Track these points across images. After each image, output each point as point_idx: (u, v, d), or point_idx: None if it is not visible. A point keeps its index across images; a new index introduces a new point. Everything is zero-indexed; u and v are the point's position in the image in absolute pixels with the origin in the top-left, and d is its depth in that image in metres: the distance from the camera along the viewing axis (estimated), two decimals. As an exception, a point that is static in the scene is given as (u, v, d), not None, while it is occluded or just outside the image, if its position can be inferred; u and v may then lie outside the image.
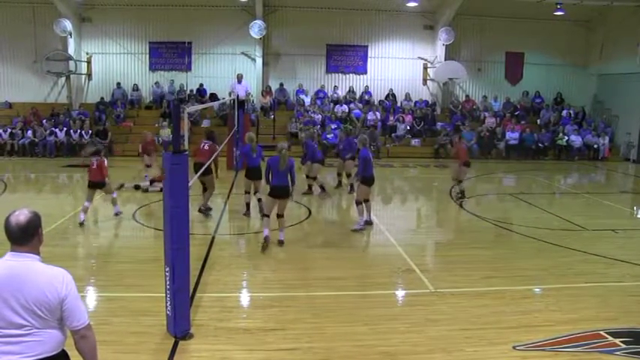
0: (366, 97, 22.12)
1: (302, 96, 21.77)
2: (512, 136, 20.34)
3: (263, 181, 9.37)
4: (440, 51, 22.01)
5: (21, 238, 2.75)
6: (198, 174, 7.97)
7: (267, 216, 8.59)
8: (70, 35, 20.42)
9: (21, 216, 2.77)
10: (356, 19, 22.12)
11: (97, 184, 9.79)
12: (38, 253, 2.83)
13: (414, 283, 7.08)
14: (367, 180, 9.51)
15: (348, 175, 13.13)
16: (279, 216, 8.58)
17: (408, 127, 20.88)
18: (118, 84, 21.35)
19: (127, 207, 11.19)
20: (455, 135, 13.54)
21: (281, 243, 8.56)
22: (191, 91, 21.12)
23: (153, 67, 21.75)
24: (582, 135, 20.88)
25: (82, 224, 9.42)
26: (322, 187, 12.61)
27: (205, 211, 10.50)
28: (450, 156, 11.79)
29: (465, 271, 7.52)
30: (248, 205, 10.62)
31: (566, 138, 20.70)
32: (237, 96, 16.76)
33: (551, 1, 19.51)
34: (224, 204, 11.94)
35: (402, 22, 22.30)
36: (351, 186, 13.02)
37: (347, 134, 13.85)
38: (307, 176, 12.84)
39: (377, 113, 20.95)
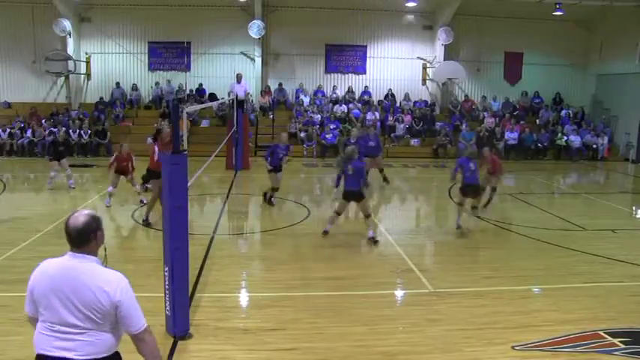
0: (365, 97, 22.13)
1: (302, 96, 21.76)
2: (511, 136, 20.36)
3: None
4: (439, 51, 22.02)
5: (78, 241, 2.77)
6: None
7: (339, 214, 9.18)
8: (70, 35, 20.41)
9: (80, 218, 2.79)
10: (355, 19, 22.11)
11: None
12: (96, 255, 2.85)
13: (413, 283, 7.08)
14: (464, 189, 9.58)
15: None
16: (366, 217, 9.02)
17: (407, 127, 20.90)
18: (117, 84, 21.35)
19: (125, 207, 11.19)
20: (491, 148, 12.21)
21: (372, 240, 8.85)
22: (190, 90, 21.12)
23: (152, 67, 21.75)
24: (581, 135, 20.90)
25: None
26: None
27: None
28: (486, 169, 10.99)
29: (464, 271, 7.53)
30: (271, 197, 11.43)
31: (566, 138, 20.72)
32: (237, 96, 16.78)
33: (551, 1, 19.53)
34: (223, 204, 11.94)
35: (401, 22, 22.30)
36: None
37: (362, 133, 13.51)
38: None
39: (376, 113, 20.96)
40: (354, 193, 8.87)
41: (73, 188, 12.73)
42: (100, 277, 2.75)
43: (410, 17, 22.08)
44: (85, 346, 2.73)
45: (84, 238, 2.77)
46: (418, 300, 6.49)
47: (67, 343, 2.71)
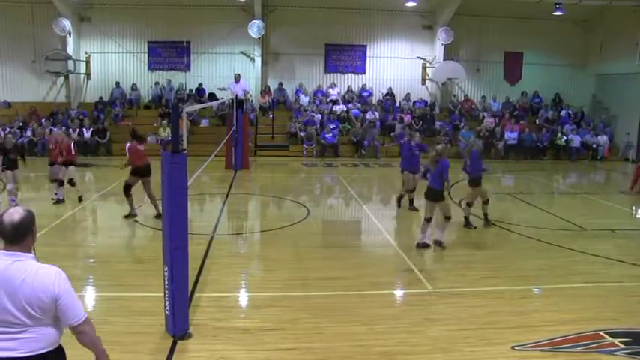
0: (365, 96, 22.11)
1: (301, 95, 21.74)
2: (511, 136, 20.35)
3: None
4: (439, 51, 22.03)
5: (14, 237, 2.77)
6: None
7: (426, 220, 8.60)
8: (69, 35, 20.40)
9: (15, 215, 2.79)
10: (355, 19, 22.12)
11: None
12: (31, 252, 2.85)
13: (412, 282, 7.08)
14: None
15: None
16: (445, 218, 8.57)
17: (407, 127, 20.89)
18: (117, 83, 21.33)
19: (124, 207, 11.17)
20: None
21: (438, 243, 8.58)
22: (190, 90, 21.11)
23: (152, 67, 21.74)
24: (581, 135, 20.90)
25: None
26: (411, 202, 11.25)
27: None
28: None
29: (464, 271, 7.52)
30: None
31: (565, 138, 20.72)
32: (236, 96, 16.77)
33: (550, 1, 19.53)
34: (223, 204, 11.93)
35: (401, 21, 22.30)
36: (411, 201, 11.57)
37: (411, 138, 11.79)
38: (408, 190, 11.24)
39: (376, 113, 20.96)
40: (430, 190, 8.50)
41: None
42: (38, 272, 2.75)
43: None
44: (28, 342, 2.73)
45: (20, 235, 2.77)
46: (418, 300, 6.48)
47: (9, 343, 2.70)
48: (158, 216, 9.68)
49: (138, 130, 10.47)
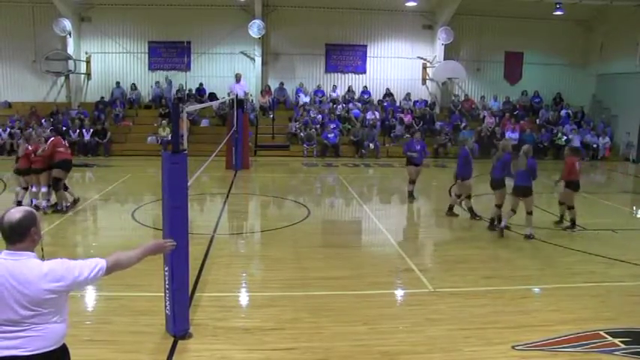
0: (365, 97, 22.12)
1: (301, 95, 21.73)
2: (511, 136, 20.32)
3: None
4: (439, 50, 22.02)
5: (13, 237, 2.78)
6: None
7: (513, 211, 9.34)
8: (70, 35, 20.41)
9: (16, 214, 2.80)
10: (355, 19, 22.13)
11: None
12: (33, 250, 2.85)
13: (413, 282, 7.08)
14: None
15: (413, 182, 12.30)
16: (528, 213, 9.21)
17: (407, 127, 20.87)
18: (117, 83, 21.33)
19: (125, 206, 11.20)
20: (571, 150, 10.96)
21: (528, 237, 9.14)
22: (190, 90, 21.11)
23: (152, 67, 21.74)
24: (581, 135, 20.89)
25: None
26: (470, 210, 10.72)
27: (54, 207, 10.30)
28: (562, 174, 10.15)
29: (464, 271, 7.52)
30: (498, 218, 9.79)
31: (565, 138, 20.70)
32: (237, 95, 16.77)
33: (551, 1, 19.55)
34: (223, 204, 11.94)
35: (401, 21, 22.30)
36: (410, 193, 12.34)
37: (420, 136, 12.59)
38: (456, 195, 11.07)
39: (376, 113, 20.95)
40: (520, 187, 9.16)
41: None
42: (41, 271, 2.76)
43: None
44: (32, 340, 2.73)
45: (18, 235, 2.78)
46: (418, 300, 6.48)
47: (12, 342, 2.71)
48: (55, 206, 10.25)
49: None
